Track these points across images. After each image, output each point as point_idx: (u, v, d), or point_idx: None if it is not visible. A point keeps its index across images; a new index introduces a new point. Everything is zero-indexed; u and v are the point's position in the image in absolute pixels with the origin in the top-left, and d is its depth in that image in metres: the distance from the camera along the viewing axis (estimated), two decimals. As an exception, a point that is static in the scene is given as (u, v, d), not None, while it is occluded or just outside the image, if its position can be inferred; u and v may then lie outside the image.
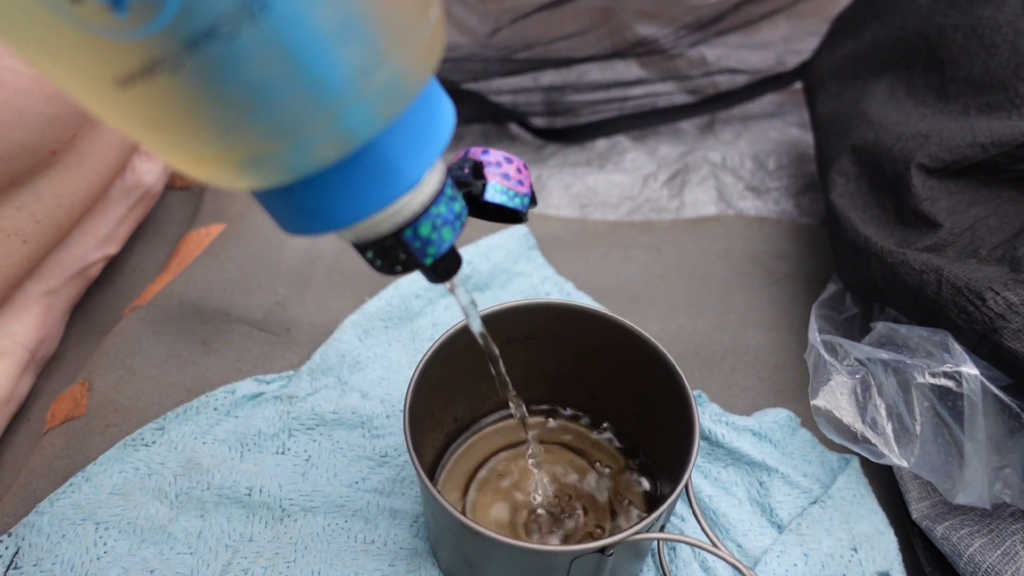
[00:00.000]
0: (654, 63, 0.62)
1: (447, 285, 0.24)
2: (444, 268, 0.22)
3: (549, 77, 0.63)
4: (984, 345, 0.30)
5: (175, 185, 0.53)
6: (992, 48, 0.37)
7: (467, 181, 0.23)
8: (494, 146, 0.60)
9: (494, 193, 0.23)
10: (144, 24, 0.12)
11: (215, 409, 0.38)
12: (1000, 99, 0.36)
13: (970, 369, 0.30)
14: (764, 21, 0.62)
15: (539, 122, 0.62)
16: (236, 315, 0.43)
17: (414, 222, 0.19)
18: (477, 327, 0.27)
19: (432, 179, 0.19)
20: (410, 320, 0.44)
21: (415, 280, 0.45)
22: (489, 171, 0.23)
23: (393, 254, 0.20)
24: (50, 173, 0.39)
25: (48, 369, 0.43)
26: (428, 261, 0.20)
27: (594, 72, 0.63)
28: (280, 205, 0.18)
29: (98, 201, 0.44)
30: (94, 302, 0.46)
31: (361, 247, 0.20)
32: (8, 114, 0.35)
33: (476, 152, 0.24)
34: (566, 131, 0.61)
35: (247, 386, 0.39)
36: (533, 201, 0.24)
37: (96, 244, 0.45)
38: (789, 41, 0.63)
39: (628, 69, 0.63)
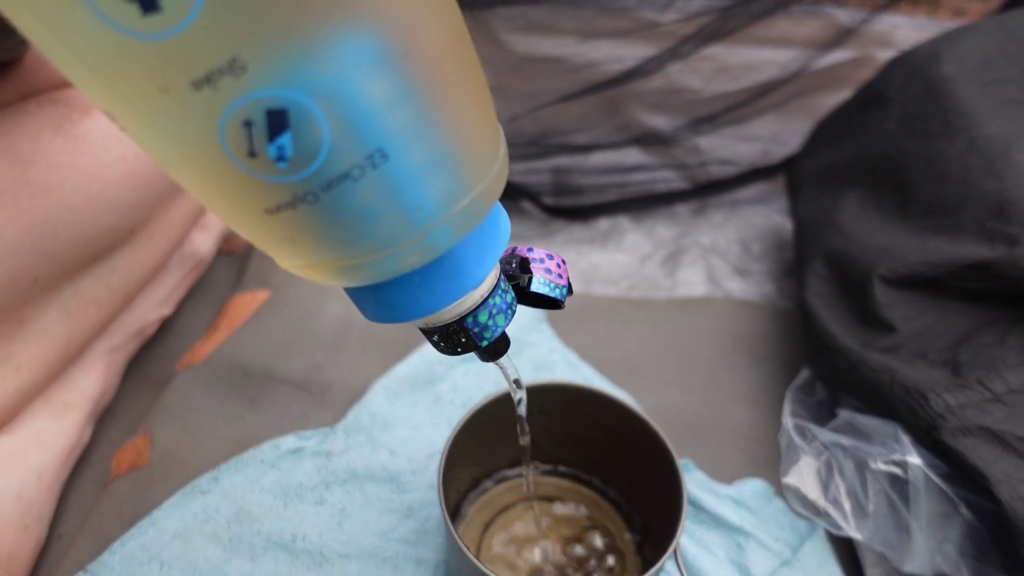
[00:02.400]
0: (654, 151, 0.69)
1: (498, 363, 0.29)
2: (495, 349, 0.27)
3: (558, 160, 0.69)
4: (927, 439, 0.36)
5: (221, 250, 0.58)
6: (944, 177, 0.44)
7: (515, 275, 0.27)
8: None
9: (538, 285, 0.27)
10: (299, 171, 0.17)
11: (262, 462, 0.44)
12: (948, 223, 0.42)
13: (914, 459, 0.36)
14: (755, 117, 0.69)
15: (547, 200, 0.68)
16: (279, 376, 0.48)
17: (474, 311, 0.24)
18: (522, 401, 0.33)
19: (490, 276, 0.24)
20: (433, 384, 0.50)
21: (437, 348, 0.51)
22: (534, 266, 0.27)
23: (455, 338, 0.24)
24: (125, 249, 0.45)
25: (105, 418, 0.48)
26: (484, 344, 0.25)
27: (599, 157, 0.69)
28: (367, 298, 0.23)
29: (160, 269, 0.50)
30: (147, 357, 0.52)
31: (428, 332, 0.25)
32: (102, 203, 0.41)
33: (522, 250, 0.28)
34: (572, 210, 0.67)
35: (289, 441, 0.45)
36: (570, 291, 0.28)
37: (154, 306, 0.51)
38: (777, 136, 0.70)
39: (630, 155, 0.69)
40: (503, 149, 0.22)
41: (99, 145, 0.41)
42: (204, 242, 0.54)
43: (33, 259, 0.38)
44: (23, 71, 0.41)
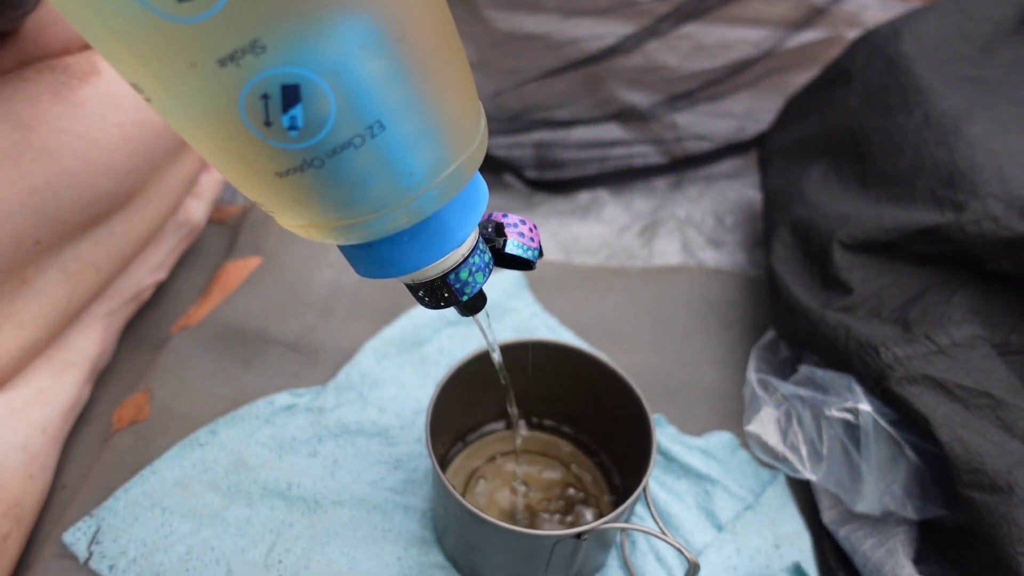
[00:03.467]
0: (633, 126, 0.72)
1: (475, 318, 0.31)
2: (474, 304, 0.30)
3: (540, 135, 0.71)
4: (878, 388, 0.39)
5: (212, 219, 0.60)
6: (901, 149, 0.46)
7: (491, 238, 0.30)
8: (491, 193, 0.69)
9: (512, 247, 0.30)
10: (308, 139, 0.19)
11: (257, 417, 0.46)
12: (903, 192, 0.45)
13: (865, 407, 0.39)
14: (730, 95, 0.72)
15: (530, 174, 0.70)
16: (272, 338, 0.50)
17: (456, 269, 0.26)
18: (496, 349, 0.35)
19: (470, 237, 0.27)
20: (419, 347, 0.52)
21: (424, 312, 0.53)
22: (508, 230, 0.30)
23: (439, 293, 0.27)
24: (122, 214, 0.46)
25: (103, 379, 0.50)
26: (465, 298, 0.28)
27: (580, 132, 0.72)
28: (361, 256, 0.25)
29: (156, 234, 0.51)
30: (143, 321, 0.54)
31: (414, 288, 0.28)
32: (100, 168, 0.42)
33: (498, 216, 0.31)
34: (554, 183, 0.69)
35: (283, 399, 0.47)
36: (540, 253, 0.31)
37: (149, 271, 0.53)
38: (751, 112, 0.73)
39: (610, 131, 0.72)
40: (483, 123, 0.25)
41: (97, 112, 0.42)
42: (197, 209, 0.56)
43: (35, 221, 0.40)
44: (21, 39, 0.42)
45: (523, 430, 0.47)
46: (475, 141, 0.24)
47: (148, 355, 0.51)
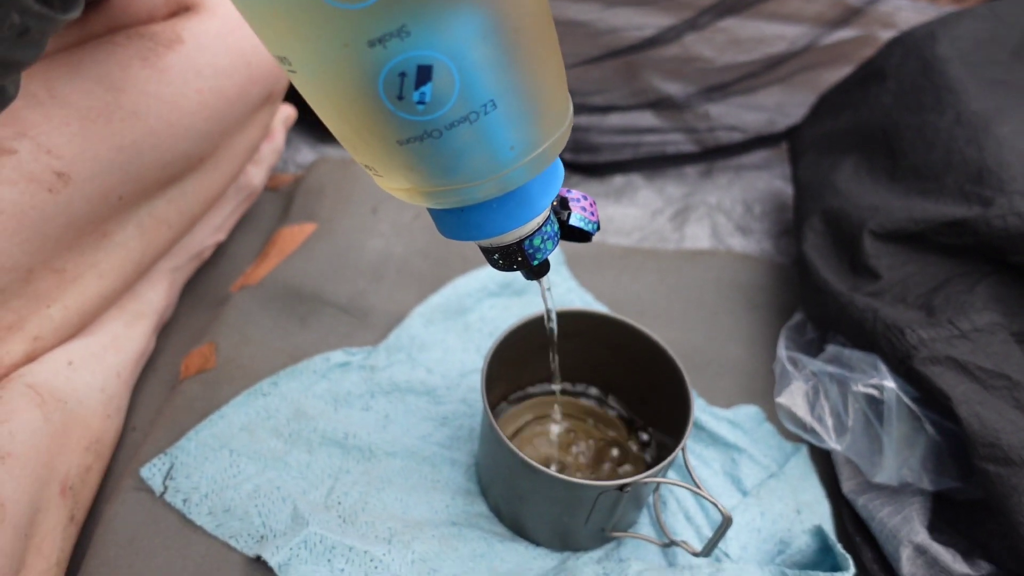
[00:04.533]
0: (667, 115, 0.74)
1: (539, 281, 0.34)
2: (540, 269, 0.33)
3: (577, 119, 0.74)
4: (902, 367, 0.42)
5: (267, 186, 0.63)
6: (931, 146, 0.49)
7: (557, 210, 0.32)
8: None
9: (576, 220, 0.32)
10: (432, 113, 0.22)
11: (314, 372, 0.49)
12: (932, 187, 0.47)
13: (889, 383, 0.42)
14: (763, 88, 0.74)
15: (566, 156, 0.73)
16: (326, 299, 0.53)
17: (531, 236, 0.30)
18: (553, 312, 0.38)
19: (546, 209, 0.30)
20: (463, 314, 0.55)
21: (468, 282, 0.56)
22: (572, 204, 0.33)
23: (513, 256, 0.30)
24: (194, 175, 0.49)
25: (166, 331, 0.53)
26: (536, 263, 0.31)
27: (615, 118, 0.74)
28: (448, 219, 0.28)
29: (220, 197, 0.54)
30: (202, 279, 0.57)
31: (489, 251, 0.30)
32: (180, 130, 0.45)
33: (562, 191, 0.34)
34: (589, 166, 0.72)
35: (338, 356, 0.50)
36: (598, 227, 0.34)
37: (211, 232, 0.56)
38: (781, 107, 0.75)
39: (644, 118, 0.74)
40: (571, 108, 0.27)
41: (180, 77, 0.45)
42: (256, 175, 0.59)
43: (120, 177, 0.43)
44: (111, 7, 0.45)
45: (562, 394, 0.50)
46: (564, 124, 0.27)
47: (208, 311, 0.54)
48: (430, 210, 0.29)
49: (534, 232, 0.30)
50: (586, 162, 0.72)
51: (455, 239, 0.29)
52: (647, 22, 0.72)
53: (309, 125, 0.68)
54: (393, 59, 0.20)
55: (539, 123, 0.25)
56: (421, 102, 0.22)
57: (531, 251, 0.30)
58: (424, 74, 0.21)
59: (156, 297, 0.51)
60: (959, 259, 0.46)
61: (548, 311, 0.39)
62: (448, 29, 0.21)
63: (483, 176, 0.25)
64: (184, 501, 0.42)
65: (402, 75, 0.21)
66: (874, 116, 0.55)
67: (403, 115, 0.22)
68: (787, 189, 0.71)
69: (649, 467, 0.46)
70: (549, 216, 0.31)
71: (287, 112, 0.64)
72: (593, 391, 0.50)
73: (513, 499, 0.42)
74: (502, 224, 0.28)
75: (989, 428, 0.38)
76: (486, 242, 0.30)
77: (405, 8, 0.19)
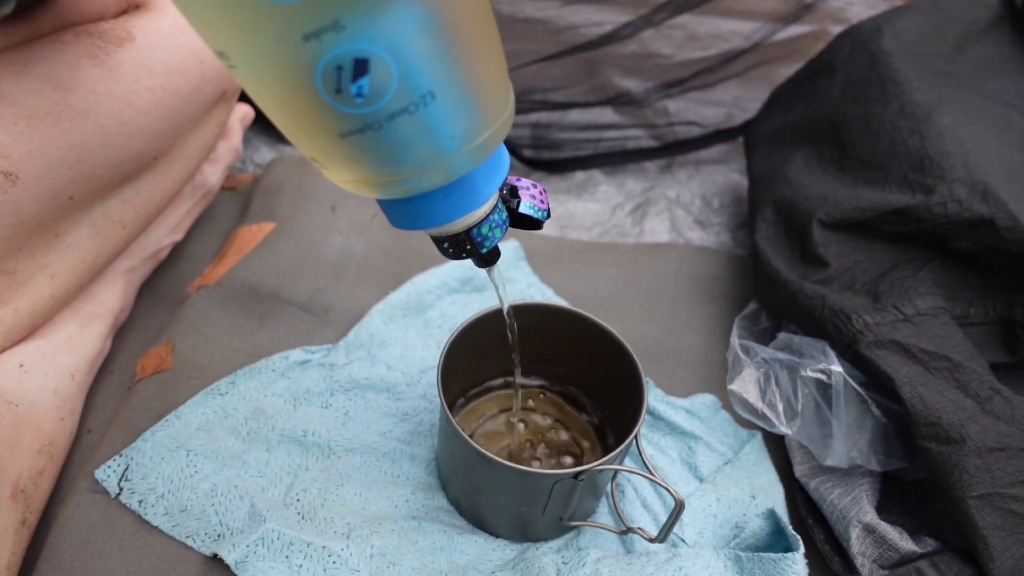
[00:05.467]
0: (626, 111, 0.75)
1: (488, 270, 0.35)
2: (490, 257, 0.33)
3: (538, 116, 0.74)
4: (849, 352, 0.43)
5: (224, 186, 0.63)
6: (877, 136, 0.50)
7: (507, 199, 0.33)
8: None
9: (525, 207, 0.33)
10: (371, 105, 0.23)
11: (273, 370, 0.49)
12: (877, 176, 0.49)
13: (837, 368, 0.43)
14: (720, 84, 0.75)
15: (527, 153, 0.73)
16: (285, 298, 0.53)
17: (479, 224, 0.30)
18: (506, 302, 0.39)
19: (492, 197, 0.30)
20: (423, 311, 0.55)
21: (427, 279, 0.56)
22: (522, 192, 0.33)
23: (462, 245, 0.31)
24: (149, 174, 0.49)
25: (122, 333, 0.53)
26: (484, 251, 0.31)
27: (576, 115, 0.75)
28: (396, 209, 0.29)
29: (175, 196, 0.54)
30: (159, 279, 0.56)
31: (439, 239, 0.31)
32: (132, 128, 0.45)
33: (512, 179, 0.34)
34: (550, 162, 0.73)
35: (297, 354, 0.50)
36: (548, 214, 0.35)
37: (167, 232, 0.55)
38: (738, 101, 0.77)
39: (604, 114, 0.75)
40: (511, 97, 0.28)
41: (131, 76, 0.45)
42: (213, 174, 0.58)
43: (71, 177, 0.42)
44: (59, 4, 0.44)
45: (521, 387, 0.50)
46: (505, 112, 0.27)
47: (165, 312, 0.54)
48: (379, 201, 0.29)
49: (482, 220, 0.30)
50: (547, 159, 0.72)
51: (404, 229, 0.30)
52: (605, 19, 0.73)
53: (267, 124, 0.68)
54: (329, 53, 0.21)
55: (480, 112, 0.25)
56: (359, 95, 0.22)
57: (479, 239, 0.31)
58: (361, 67, 0.21)
59: (111, 298, 0.51)
60: (904, 246, 0.47)
61: (501, 301, 0.39)
62: (383, 22, 0.21)
63: (427, 166, 0.25)
64: (140, 502, 0.41)
65: (339, 68, 0.21)
66: (823, 108, 0.56)
67: (342, 108, 0.22)
68: (745, 182, 0.72)
69: (607, 453, 0.47)
70: (497, 204, 0.31)
71: (244, 111, 0.64)
72: (552, 383, 0.50)
73: (472, 491, 0.42)
74: (449, 213, 0.29)
75: (931, 408, 0.40)
76: (435, 231, 0.31)
77: (338, 2, 0.20)
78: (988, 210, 0.43)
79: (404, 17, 0.21)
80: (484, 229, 0.31)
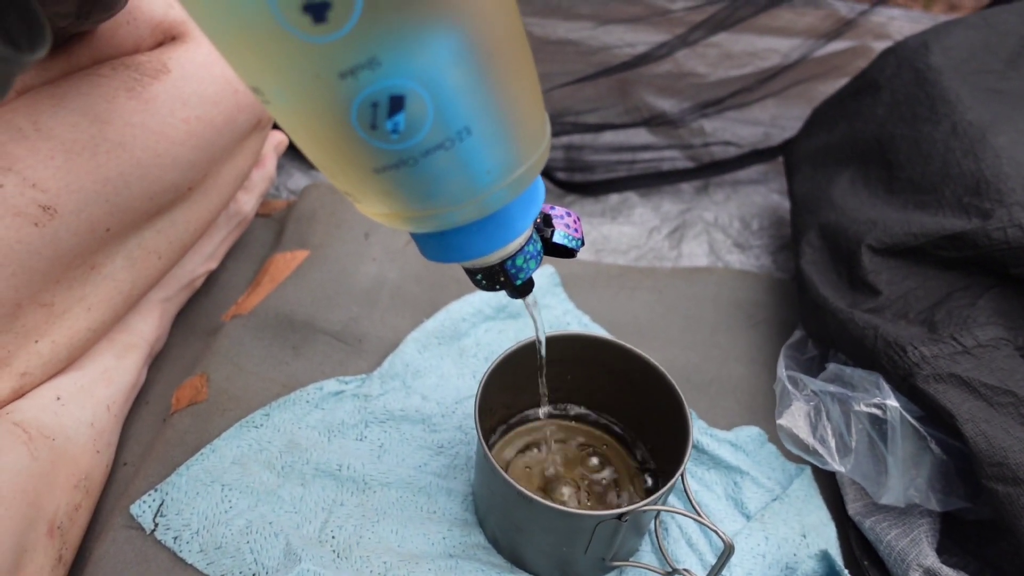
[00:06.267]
0: (661, 132, 0.74)
1: (524, 300, 0.34)
2: (525, 288, 0.33)
3: (571, 138, 0.73)
4: (904, 385, 0.41)
5: (258, 213, 0.63)
6: (928, 158, 0.48)
7: (540, 228, 0.32)
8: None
9: (560, 237, 0.32)
10: (406, 141, 0.22)
11: (307, 402, 0.48)
12: (930, 199, 0.47)
13: (892, 402, 0.41)
14: (757, 102, 0.74)
15: (560, 175, 0.72)
16: (319, 327, 0.53)
17: (513, 256, 0.29)
18: (541, 333, 0.38)
19: (528, 229, 0.29)
20: (458, 339, 0.54)
21: (462, 307, 0.55)
22: (556, 222, 0.33)
23: (496, 277, 0.30)
24: (183, 204, 0.49)
25: (157, 362, 0.53)
26: (519, 283, 0.31)
27: (610, 136, 0.74)
28: (430, 243, 0.28)
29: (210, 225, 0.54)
30: (194, 308, 0.56)
31: (472, 271, 0.30)
32: (167, 160, 0.45)
33: (546, 207, 0.34)
34: (584, 185, 0.71)
35: (331, 385, 0.49)
36: (583, 243, 0.34)
37: (202, 260, 0.55)
38: (776, 120, 0.75)
39: (639, 135, 0.74)
40: (548, 130, 0.27)
41: (166, 108, 0.45)
42: (247, 202, 0.58)
43: (108, 210, 0.42)
44: (96, 38, 0.45)
45: (558, 420, 0.49)
46: (542, 146, 0.26)
47: (200, 341, 0.53)
48: (412, 233, 0.29)
49: (516, 252, 0.30)
50: (581, 181, 0.71)
51: (437, 261, 0.29)
52: (639, 39, 0.72)
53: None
54: (365, 90, 0.20)
55: (515, 146, 0.24)
56: (395, 131, 0.21)
57: (514, 271, 0.30)
58: (397, 103, 0.21)
59: (147, 328, 0.51)
60: (960, 273, 0.45)
61: (537, 332, 0.38)
62: (418, 59, 0.20)
63: (461, 200, 0.25)
64: (175, 539, 0.41)
65: (375, 105, 0.20)
66: (869, 128, 0.54)
67: (377, 144, 0.22)
68: (785, 203, 0.71)
69: (649, 493, 0.45)
70: (531, 235, 0.30)
71: (279, 138, 0.64)
72: (591, 415, 0.49)
73: (510, 529, 0.41)
74: (483, 246, 0.28)
75: (996, 447, 0.37)
76: (469, 263, 0.30)
77: (374, 40, 0.19)
78: (1052, 235, 0.41)
79: (439, 52, 0.20)
80: (519, 261, 0.30)
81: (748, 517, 0.45)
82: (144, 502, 0.42)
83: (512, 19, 0.23)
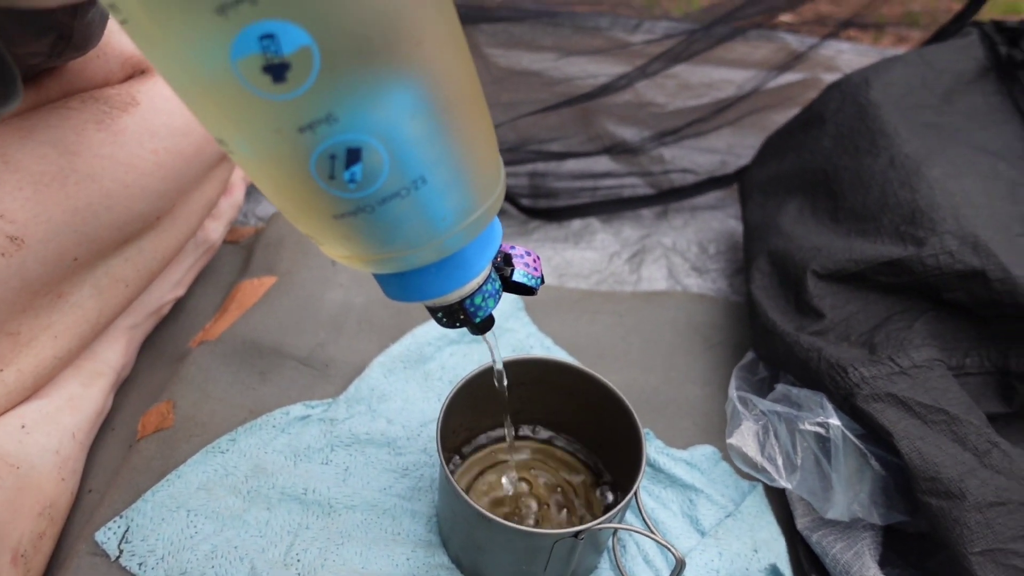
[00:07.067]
0: (622, 160, 0.76)
1: (483, 336, 0.35)
2: (485, 325, 0.34)
3: (535, 166, 0.76)
4: (846, 405, 0.43)
5: (226, 240, 0.63)
6: (868, 188, 0.51)
7: (500, 267, 0.34)
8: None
9: (519, 276, 0.34)
10: (363, 190, 0.23)
11: (273, 426, 0.49)
12: (870, 227, 0.49)
13: (835, 421, 0.43)
14: (714, 131, 0.77)
15: (525, 202, 0.74)
16: (286, 352, 0.54)
17: (472, 295, 0.31)
18: (499, 365, 0.39)
19: (485, 269, 0.31)
20: (423, 363, 0.56)
21: (427, 331, 0.57)
22: (516, 261, 0.34)
23: (456, 315, 0.31)
24: (151, 233, 0.49)
25: (124, 389, 0.53)
26: (478, 320, 0.32)
27: (573, 164, 0.76)
28: (391, 283, 0.30)
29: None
30: (162, 335, 0.57)
31: (434, 310, 0.32)
32: (136, 191, 0.46)
33: (506, 247, 0.35)
34: (547, 211, 0.73)
35: (298, 409, 0.50)
36: (542, 281, 0.36)
37: (170, 288, 0.56)
38: (732, 148, 0.78)
39: (601, 163, 0.76)
40: (503, 174, 0.29)
41: (135, 140, 0.46)
42: (215, 230, 0.59)
43: (76, 239, 0.43)
44: (66, 72, 0.46)
45: (520, 441, 0.50)
46: (497, 190, 0.28)
47: (167, 367, 0.54)
48: (374, 274, 0.30)
49: (475, 291, 0.31)
50: (544, 207, 0.73)
51: (399, 300, 0.30)
52: (600, 70, 0.75)
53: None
54: (323, 143, 0.21)
55: (471, 192, 0.26)
56: (352, 180, 0.23)
57: (473, 309, 0.31)
58: (354, 155, 0.22)
59: (113, 356, 0.51)
60: (898, 297, 0.48)
61: (495, 365, 0.39)
62: (373, 114, 0.22)
63: (419, 244, 0.26)
64: (140, 565, 0.41)
65: (332, 157, 0.22)
66: (815, 159, 0.57)
67: (336, 193, 0.23)
68: (740, 228, 0.73)
69: (608, 512, 0.47)
70: (490, 274, 0.32)
71: (247, 166, 0.65)
72: (553, 436, 0.50)
73: (472, 549, 0.42)
74: (442, 287, 0.29)
75: (929, 462, 0.40)
76: (428, 302, 0.31)
77: (331, 98, 0.20)
78: (979, 262, 0.44)
79: (395, 108, 0.22)
80: (477, 300, 0.31)
81: (703, 533, 0.47)
82: (109, 529, 0.42)
83: (465, 74, 0.24)
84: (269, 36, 0.18)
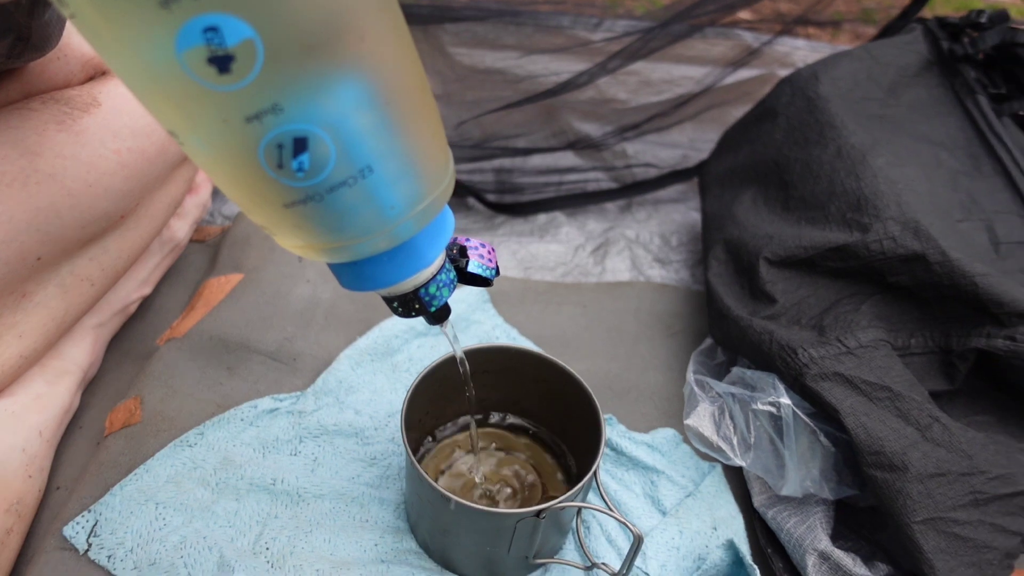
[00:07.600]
0: (586, 155, 0.78)
1: (441, 326, 0.36)
2: (440, 314, 0.35)
3: (500, 162, 0.77)
4: (796, 384, 0.45)
5: (193, 238, 0.64)
6: (817, 178, 0.53)
7: (456, 258, 0.35)
8: (456, 214, 0.74)
9: (474, 267, 0.35)
10: (311, 179, 0.24)
11: (241, 420, 0.50)
12: (818, 215, 0.51)
13: (786, 400, 0.45)
14: (675, 126, 0.79)
15: (491, 197, 0.75)
16: (254, 347, 0.54)
17: (426, 284, 0.32)
18: (460, 353, 0.40)
19: (439, 258, 0.32)
20: (390, 355, 0.56)
21: (394, 324, 0.58)
22: (470, 252, 0.35)
23: (411, 304, 0.32)
24: (116, 232, 0.50)
25: (91, 387, 0.53)
26: (433, 309, 0.33)
27: (537, 159, 0.77)
28: (347, 272, 0.30)
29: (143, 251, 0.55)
30: (128, 333, 0.57)
31: (389, 299, 0.33)
32: (99, 190, 0.46)
33: (461, 239, 0.36)
34: (513, 206, 0.75)
35: (266, 403, 0.51)
36: (497, 272, 0.37)
37: (136, 286, 0.56)
38: (693, 142, 0.80)
39: (565, 158, 0.78)
40: (451, 164, 0.30)
41: (97, 140, 0.46)
42: (181, 228, 0.59)
43: (39, 239, 0.43)
44: (28, 73, 0.46)
45: (486, 427, 0.51)
46: (445, 179, 0.29)
47: (134, 365, 0.54)
48: (329, 264, 0.31)
49: (429, 280, 0.32)
50: (510, 202, 0.75)
51: (354, 290, 0.31)
52: (562, 68, 0.76)
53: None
54: (270, 133, 0.22)
55: (418, 182, 0.27)
56: (300, 169, 0.24)
57: (427, 298, 0.32)
58: (300, 144, 0.23)
59: (80, 354, 0.51)
60: (846, 282, 0.50)
61: (456, 353, 0.41)
62: (318, 105, 0.22)
63: (369, 232, 0.27)
64: (109, 557, 0.42)
65: (280, 146, 0.23)
66: (768, 151, 0.59)
67: (284, 181, 0.24)
68: (700, 220, 0.75)
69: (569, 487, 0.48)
70: (445, 264, 0.33)
71: (213, 165, 0.65)
72: (518, 422, 0.52)
73: (438, 533, 0.43)
74: (395, 275, 0.30)
75: (874, 437, 0.42)
76: (384, 291, 0.32)
77: (276, 88, 0.21)
78: (920, 246, 0.46)
79: (340, 99, 0.23)
80: (432, 289, 0.32)
81: (664, 513, 0.48)
82: (77, 523, 0.43)
83: (409, 67, 0.25)
84: (213, 29, 0.19)
